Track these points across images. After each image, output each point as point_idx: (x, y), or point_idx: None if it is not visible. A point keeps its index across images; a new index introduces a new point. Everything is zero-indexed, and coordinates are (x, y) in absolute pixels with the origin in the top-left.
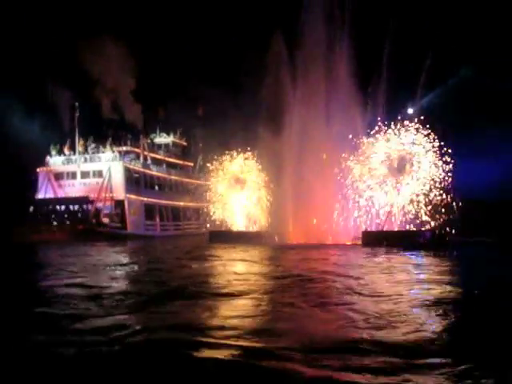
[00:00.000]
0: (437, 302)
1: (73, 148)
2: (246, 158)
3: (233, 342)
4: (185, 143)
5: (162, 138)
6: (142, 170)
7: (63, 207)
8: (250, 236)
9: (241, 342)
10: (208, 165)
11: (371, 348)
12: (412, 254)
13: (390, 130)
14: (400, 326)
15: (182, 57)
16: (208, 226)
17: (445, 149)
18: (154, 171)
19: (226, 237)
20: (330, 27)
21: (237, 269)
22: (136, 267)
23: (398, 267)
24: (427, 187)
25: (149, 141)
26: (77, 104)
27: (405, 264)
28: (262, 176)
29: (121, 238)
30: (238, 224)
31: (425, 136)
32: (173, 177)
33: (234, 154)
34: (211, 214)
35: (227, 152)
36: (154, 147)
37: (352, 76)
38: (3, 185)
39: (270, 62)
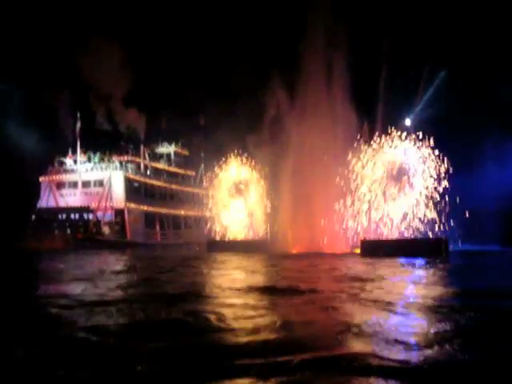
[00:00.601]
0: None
1: (74, 158)
2: (245, 166)
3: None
4: (187, 153)
5: (164, 148)
6: (142, 179)
7: (64, 216)
8: (249, 245)
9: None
10: (208, 173)
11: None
12: (413, 263)
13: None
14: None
15: (183, 66)
16: (206, 234)
17: (442, 156)
18: (155, 181)
19: (224, 246)
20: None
21: (237, 278)
22: (133, 276)
23: (397, 275)
24: (425, 195)
25: (149, 151)
26: (78, 115)
27: (405, 272)
28: (262, 184)
29: (121, 247)
30: (236, 232)
31: (421, 145)
32: (173, 186)
33: (234, 161)
34: (210, 222)
35: (226, 159)
36: (156, 157)
37: (350, 104)
38: (6, 194)
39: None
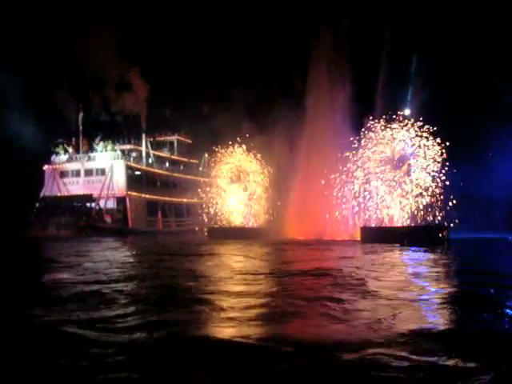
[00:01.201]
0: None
1: (77, 147)
2: (246, 152)
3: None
4: (190, 141)
5: (167, 137)
6: (144, 167)
7: (67, 204)
8: (249, 232)
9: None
10: (208, 161)
11: None
12: (411, 251)
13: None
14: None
15: (187, 55)
16: (207, 221)
17: (442, 144)
18: (157, 169)
19: (224, 233)
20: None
21: (242, 266)
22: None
23: (395, 263)
24: (426, 183)
25: (152, 139)
26: (81, 105)
27: (404, 259)
28: (263, 172)
29: (122, 234)
30: (236, 220)
31: (421, 133)
32: (176, 174)
33: (235, 148)
34: (210, 209)
35: (228, 146)
36: (159, 145)
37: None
38: (10, 182)
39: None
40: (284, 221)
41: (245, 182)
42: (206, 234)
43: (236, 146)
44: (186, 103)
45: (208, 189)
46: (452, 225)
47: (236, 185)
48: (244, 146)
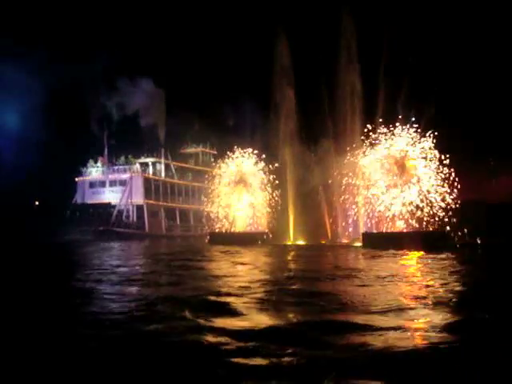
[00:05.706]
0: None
1: (104, 161)
2: (250, 160)
3: None
4: (215, 152)
5: (192, 149)
6: (162, 178)
7: (92, 211)
8: (252, 237)
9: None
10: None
11: None
12: (414, 256)
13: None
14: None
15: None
16: (209, 227)
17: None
18: (176, 179)
19: (226, 238)
20: None
21: (244, 274)
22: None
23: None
24: (431, 188)
25: (179, 151)
26: (105, 124)
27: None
28: (265, 178)
29: (139, 238)
30: (238, 224)
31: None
32: (195, 183)
33: (239, 155)
34: (213, 215)
35: (232, 153)
36: (185, 156)
37: None
38: (44, 191)
39: None
40: (287, 226)
41: (249, 188)
42: (207, 239)
43: (240, 152)
44: (213, 115)
45: (211, 194)
46: (454, 230)
47: (238, 189)
48: (249, 154)
